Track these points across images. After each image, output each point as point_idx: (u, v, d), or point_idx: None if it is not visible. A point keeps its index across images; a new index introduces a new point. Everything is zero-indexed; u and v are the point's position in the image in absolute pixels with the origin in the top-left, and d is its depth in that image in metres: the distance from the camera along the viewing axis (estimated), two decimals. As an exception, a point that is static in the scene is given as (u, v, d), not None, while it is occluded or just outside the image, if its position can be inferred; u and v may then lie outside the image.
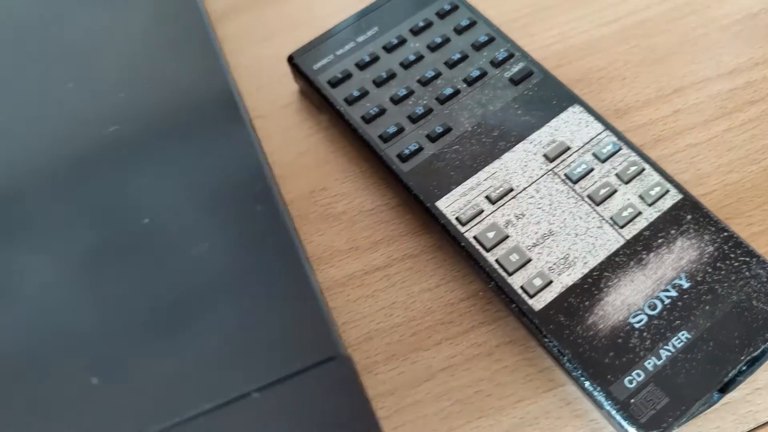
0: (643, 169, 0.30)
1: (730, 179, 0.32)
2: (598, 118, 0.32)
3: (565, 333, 0.27)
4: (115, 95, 0.23)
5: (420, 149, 0.32)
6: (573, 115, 0.32)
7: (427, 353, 0.30)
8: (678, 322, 0.27)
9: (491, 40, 0.34)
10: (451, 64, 0.34)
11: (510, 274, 0.29)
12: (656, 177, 0.30)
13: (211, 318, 0.20)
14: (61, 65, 0.25)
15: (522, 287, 0.28)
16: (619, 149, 0.31)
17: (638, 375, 0.27)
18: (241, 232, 0.21)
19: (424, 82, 0.33)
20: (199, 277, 0.20)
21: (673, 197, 0.30)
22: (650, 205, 0.30)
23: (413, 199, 0.31)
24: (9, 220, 0.21)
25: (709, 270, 0.28)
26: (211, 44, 0.24)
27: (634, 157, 0.31)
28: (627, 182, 0.30)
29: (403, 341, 0.30)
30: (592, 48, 0.36)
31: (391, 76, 0.34)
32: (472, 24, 0.35)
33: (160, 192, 0.22)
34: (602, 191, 0.30)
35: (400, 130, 0.32)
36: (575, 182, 0.30)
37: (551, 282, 0.28)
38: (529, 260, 0.29)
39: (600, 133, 0.31)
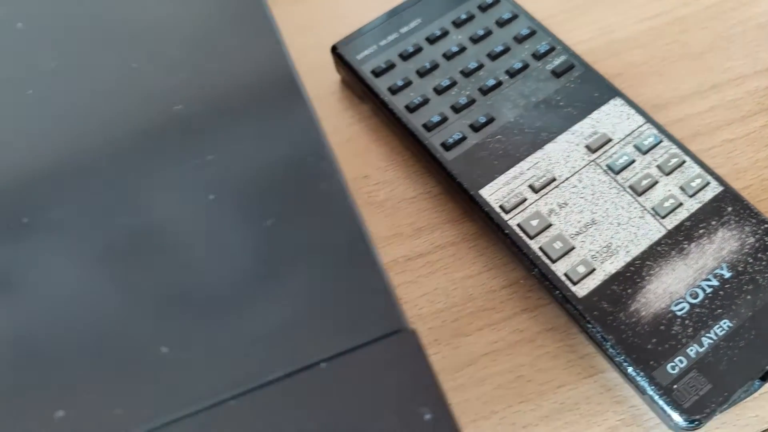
0: (684, 162, 0.31)
1: (768, 174, 0.32)
2: (639, 111, 0.32)
3: (608, 319, 0.28)
4: (178, 75, 0.24)
5: (463, 138, 0.32)
6: (614, 107, 0.33)
7: (469, 339, 0.30)
8: (720, 310, 0.28)
9: (533, 33, 0.35)
10: (494, 56, 0.34)
11: (554, 262, 0.29)
12: (697, 169, 0.31)
13: (277, 291, 0.20)
14: (125, 46, 0.25)
15: (565, 274, 0.29)
16: (660, 141, 0.31)
17: (681, 361, 0.27)
18: (305, 208, 0.21)
19: (467, 73, 0.34)
20: (266, 250, 0.21)
21: (714, 189, 0.30)
22: (691, 196, 0.30)
23: (456, 187, 0.32)
24: (84, 194, 0.22)
25: (750, 261, 0.29)
26: (271, 25, 0.25)
27: (675, 150, 0.31)
28: (668, 174, 0.31)
29: (446, 326, 0.31)
30: (630, 44, 0.37)
31: (434, 66, 0.34)
32: (514, 17, 0.35)
33: (225, 168, 0.22)
34: (644, 182, 0.30)
35: (444, 120, 0.33)
36: (617, 173, 0.31)
37: (594, 270, 0.29)
38: (573, 248, 0.29)
39: (641, 126, 0.32)
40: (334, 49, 0.36)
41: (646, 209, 0.30)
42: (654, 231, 0.30)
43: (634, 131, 0.32)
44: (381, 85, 0.34)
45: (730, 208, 0.30)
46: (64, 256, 0.22)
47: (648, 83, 0.35)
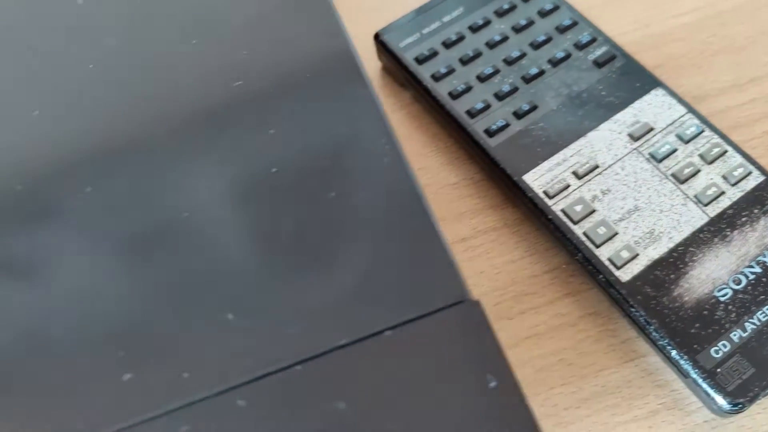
0: (726, 151, 0.31)
1: (808, 166, 0.33)
2: (681, 101, 0.33)
3: (652, 303, 0.28)
4: (238, 52, 0.24)
5: (506, 125, 0.33)
6: (656, 97, 0.33)
7: (511, 322, 0.31)
8: (763, 296, 0.28)
9: (575, 24, 0.35)
10: (536, 46, 0.35)
11: (597, 246, 0.30)
12: (739, 158, 0.31)
13: (343, 260, 0.20)
14: (184, 22, 0.26)
15: (609, 259, 0.29)
16: (702, 131, 0.32)
17: (724, 346, 0.27)
18: (367, 181, 0.21)
19: (510, 62, 0.34)
20: (330, 222, 0.21)
21: (756, 178, 0.31)
22: (733, 185, 0.30)
23: (500, 173, 0.32)
24: (151, 167, 0.22)
25: (793, 249, 0.29)
26: (329, 3, 0.25)
27: (717, 139, 0.32)
28: (710, 163, 0.31)
29: (488, 310, 0.31)
30: (669, 37, 0.37)
31: (477, 54, 0.35)
32: (556, 8, 0.36)
33: (287, 142, 0.23)
34: (686, 170, 0.31)
35: (487, 107, 0.33)
36: (660, 161, 0.31)
37: (637, 255, 0.29)
38: (616, 234, 0.30)
39: (683, 116, 0.32)
40: (377, 37, 0.36)
41: (688, 197, 0.30)
42: (696, 218, 0.30)
43: (675, 121, 0.32)
44: (424, 72, 0.35)
45: (772, 198, 0.30)
46: (141, 225, 0.22)
47: (687, 75, 0.36)
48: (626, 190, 0.31)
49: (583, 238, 0.30)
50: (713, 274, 0.29)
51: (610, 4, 0.39)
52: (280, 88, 0.24)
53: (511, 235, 0.33)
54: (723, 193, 0.30)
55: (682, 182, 0.31)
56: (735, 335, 0.27)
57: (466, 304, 0.20)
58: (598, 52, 0.34)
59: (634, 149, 0.32)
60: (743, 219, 0.30)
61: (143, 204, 0.23)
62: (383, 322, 0.20)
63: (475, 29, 0.35)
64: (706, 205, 0.30)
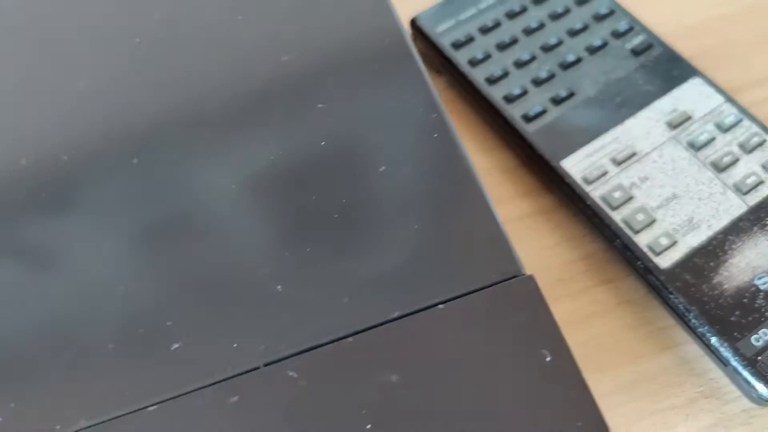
0: (765, 141, 0.31)
1: None
2: (719, 90, 0.33)
3: (691, 290, 0.28)
4: (284, 27, 0.24)
5: (544, 111, 0.33)
6: (694, 86, 0.33)
7: (546, 307, 0.30)
8: (803, 285, 0.28)
9: (612, 12, 0.35)
10: (573, 33, 0.35)
11: (636, 233, 0.29)
12: (778, 149, 0.31)
13: (396, 234, 0.20)
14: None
15: (648, 246, 0.29)
16: (741, 120, 0.32)
17: (765, 334, 0.27)
18: (419, 155, 0.21)
19: (547, 49, 0.34)
20: (383, 196, 0.21)
21: (796, 169, 0.30)
22: (773, 175, 0.30)
23: (537, 158, 0.32)
24: (203, 143, 0.22)
25: (833, 239, 0.29)
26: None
27: (756, 129, 0.31)
28: (749, 152, 0.31)
29: (523, 295, 0.31)
30: (705, 28, 0.37)
31: (514, 41, 0.35)
32: (593, -3, 0.35)
33: (337, 117, 0.22)
34: (725, 159, 0.31)
35: (524, 93, 0.33)
36: (698, 150, 0.31)
37: (676, 242, 0.29)
38: (654, 221, 0.30)
39: (721, 105, 0.32)
40: (413, 22, 0.36)
41: (727, 186, 0.30)
42: (735, 207, 0.30)
43: (714, 110, 0.32)
44: (461, 57, 0.34)
45: (812, 188, 0.30)
46: (189, 198, 0.22)
47: (723, 66, 0.36)
48: (664, 178, 0.31)
49: (622, 225, 0.30)
50: (753, 262, 0.29)
51: (646, -5, 0.38)
52: (328, 64, 0.24)
53: (546, 221, 0.32)
54: (762, 182, 0.30)
55: (721, 171, 0.31)
56: (775, 324, 0.27)
57: (520, 278, 0.20)
58: (636, 41, 0.34)
59: (672, 137, 0.32)
60: (783, 208, 0.30)
61: (194, 177, 0.23)
62: (436, 296, 0.20)
63: (511, 16, 0.35)
64: (745, 194, 0.30)
